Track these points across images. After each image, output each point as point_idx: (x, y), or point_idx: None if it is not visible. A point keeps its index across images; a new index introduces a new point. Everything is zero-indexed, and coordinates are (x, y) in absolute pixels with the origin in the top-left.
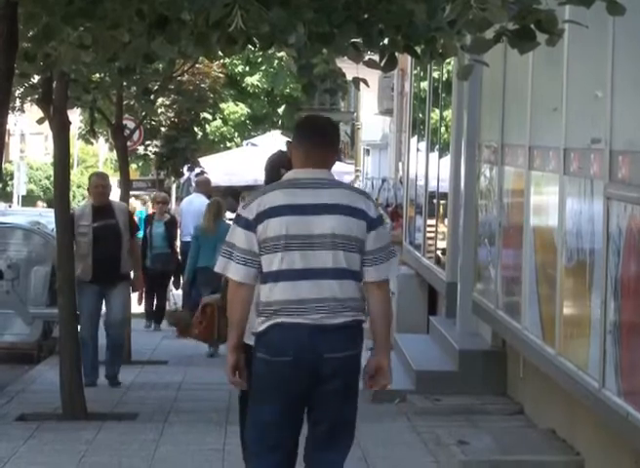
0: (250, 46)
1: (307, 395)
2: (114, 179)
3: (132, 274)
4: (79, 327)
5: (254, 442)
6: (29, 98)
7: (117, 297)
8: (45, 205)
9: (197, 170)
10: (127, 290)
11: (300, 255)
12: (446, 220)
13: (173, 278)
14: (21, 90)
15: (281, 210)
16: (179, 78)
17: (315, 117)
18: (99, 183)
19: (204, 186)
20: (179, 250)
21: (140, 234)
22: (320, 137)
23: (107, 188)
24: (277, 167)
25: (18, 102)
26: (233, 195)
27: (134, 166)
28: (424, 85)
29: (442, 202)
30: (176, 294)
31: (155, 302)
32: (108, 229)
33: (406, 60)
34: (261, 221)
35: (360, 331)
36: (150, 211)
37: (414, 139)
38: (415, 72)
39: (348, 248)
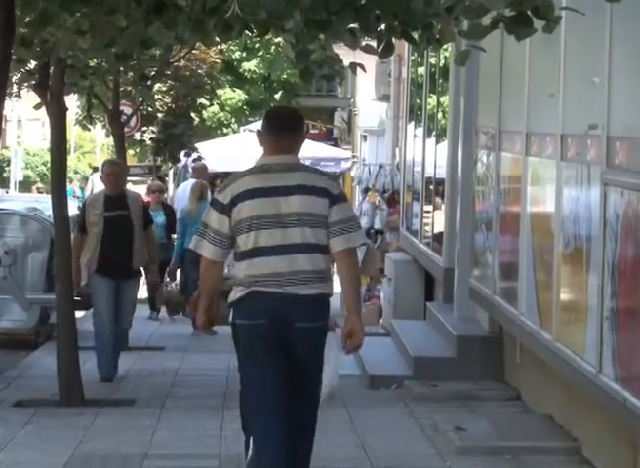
0: (247, 32)
1: (281, 352)
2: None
3: (143, 268)
4: (93, 319)
5: (250, 403)
6: (26, 84)
7: (126, 294)
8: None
9: (194, 155)
10: (137, 286)
11: (271, 233)
12: (443, 206)
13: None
14: (18, 75)
15: (252, 193)
16: (175, 64)
17: (281, 108)
18: (110, 171)
19: (200, 172)
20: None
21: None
22: (286, 127)
23: (120, 177)
24: None
25: (15, 88)
26: None
27: (131, 152)
28: (422, 71)
29: (439, 188)
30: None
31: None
32: (120, 220)
33: (403, 46)
34: (235, 205)
35: (327, 305)
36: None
37: (411, 125)
38: (412, 58)
39: (314, 224)
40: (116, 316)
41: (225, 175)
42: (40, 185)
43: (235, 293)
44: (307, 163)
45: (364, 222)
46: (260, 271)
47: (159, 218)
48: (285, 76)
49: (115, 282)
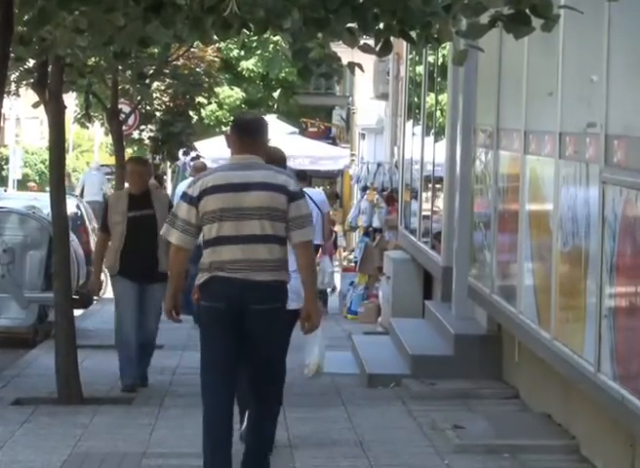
0: (245, 30)
1: (238, 338)
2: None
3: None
4: (115, 326)
5: (203, 377)
6: (25, 83)
7: (151, 300)
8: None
9: (192, 154)
10: (163, 292)
11: (232, 224)
12: (441, 205)
13: None
14: (17, 74)
15: (218, 188)
16: (174, 62)
17: (247, 114)
18: (134, 169)
19: (199, 170)
20: None
21: None
22: (250, 131)
23: (144, 175)
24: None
25: (13, 87)
26: None
27: (129, 150)
28: (420, 69)
29: (437, 186)
30: None
31: None
32: (145, 220)
33: (401, 45)
34: (202, 198)
35: (283, 289)
36: None
37: (409, 124)
38: (410, 57)
39: (273, 217)
40: (140, 323)
41: None
42: (32, 184)
43: (200, 277)
44: (306, 161)
45: (362, 221)
46: (221, 258)
47: None
48: (283, 74)
49: (139, 286)
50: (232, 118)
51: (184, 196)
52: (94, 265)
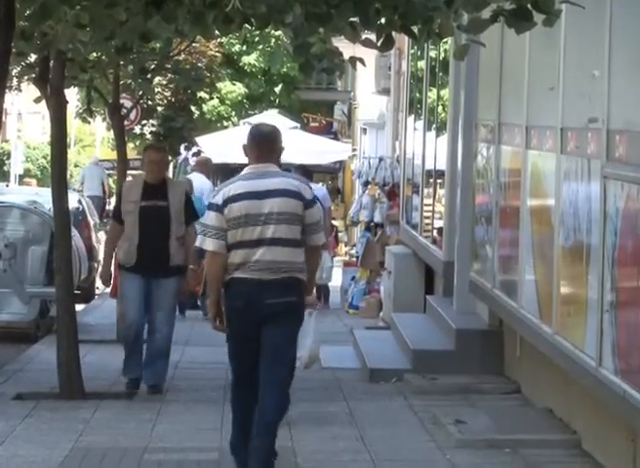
0: (246, 25)
1: (258, 335)
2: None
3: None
4: (117, 324)
5: (232, 371)
6: (26, 78)
7: (164, 295)
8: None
9: (194, 149)
10: (176, 286)
11: (253, 229)
12: (443, 200)
13: None
14: (18, 69)
15: (241, 196)
16: (175, 57)
17: (263, 125)
18: (151, 159)
19: (203, 166)
20: None
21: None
22: (267, 142)
23: (162, 164)
24: None
25: (15, 82)
26: (231, 173)
27: (131, 145)
28: (422, 64)
29: (439, 181)
30: None
31: None
32: (156, 211)
33: (403, 40)
34: (227, 205)
35: (297, 285)
36: None
37: (411, 119)
38: (412, 51)
39: (290, 221)
40: (151, 321)
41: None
42: (28, 179)
43: (225, 279)
44: (308, 156)
45: (364, 216)
46: (242, 259)
47: None
48: (285, 70)
49: (147, 281)
50: (250, 130)
51: (211, 205)
52: (104, 255)
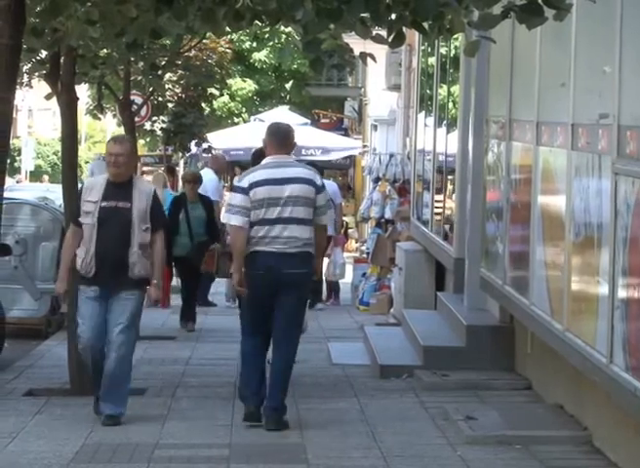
0: (257, 22)
1: (273, 297)
2: None
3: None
4: (78, 338)
5: (244, 327)
6: (37, 74)
7: (122, 312)
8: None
9: (204, 145)
10: (137, 301)
11: (274, 209)
12: (453, 196)
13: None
14: (29, 65)
15: (263, 182)
16: (186, 54)
17: (280, 124)
18: (111, 151)
19: (215, 162)
20: None
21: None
22: (283, 137)
23: (125, 158)
24: (258, 157)
25: (25, 78)
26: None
27: (141, 141)
28: (432, 60)
29: (449, 177)
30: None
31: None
32: (117, 214)
33: (413, 36)
34: (252, 189)
35: (309, 258)
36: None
37: (421, 115)
38: (422, 48)
39: (304, 204)
40: (107, 342)
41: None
42: (19, 175)
43: (247, 250)
44: (318, 152)
45: (374, 212)
46: (263, 234)
47: (197, 212)
48: (295, 66)
49: (105, 293)
50: (268, 127)
51: (237, 188)
52: (61, 264)
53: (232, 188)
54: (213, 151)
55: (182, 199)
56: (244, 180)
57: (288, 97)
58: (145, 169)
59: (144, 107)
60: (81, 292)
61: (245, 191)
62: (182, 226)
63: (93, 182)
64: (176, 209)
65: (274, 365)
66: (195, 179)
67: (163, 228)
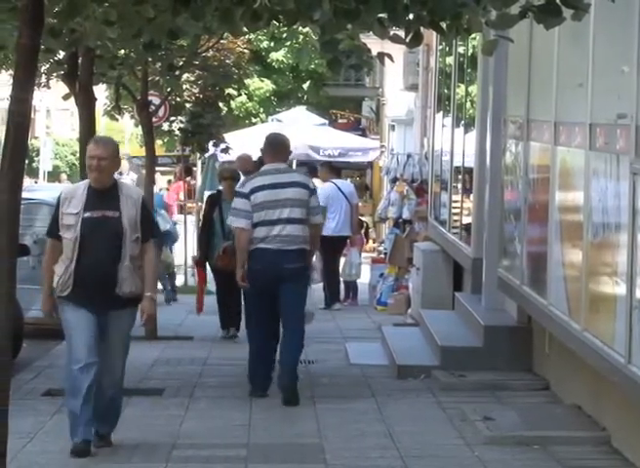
0: (275, 22)
1: (275, 291)
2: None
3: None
4: (65, 367)
5: (250, 318)
6: (55, 74)
7: (113, 332)
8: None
9: (222, 146)
10: (129, 321)
11: (273, 211)
12: (471, 196)
13: None
14: (47, 66)
15: (262, 187)
16: (203, 54)
17: (277, 134)
18: (95, 153)
19: (243, 164)
20: None
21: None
22: (279, 146)
23: (108, 161)
24: (260, 164)
25: (43, 78)
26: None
27: (159, 142)
28: (450, 60)
29: (467, 177)
30: None
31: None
32: (104, 225)
33: (431, 36)
34: (252, 194)
35: (305, 254)
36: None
37: (439, 115)
38: (440, 47)
39: (300, 205)
40: (103, 363)
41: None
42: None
43: (251, 248)
44: (336, 153)
45: (392, 212)
46: (263, 234)
47: None
48: (313, 66)
49: (95, 313)
50: (266, 137)
51: (238, 194)
52: (45, 281)
53: (235, 194)
54: (229, 153)
55: (218, 197)
56: (245, 187)
57: (305, 97)
58: (162, 169)
59: (162, 108)
60: (68, 313)
61: (246, 196)
62: (217, 226)
63: (71, 191)
64: (210, 208)
65: (284, 350)
66: (233, 176)
67: (155, 237)
